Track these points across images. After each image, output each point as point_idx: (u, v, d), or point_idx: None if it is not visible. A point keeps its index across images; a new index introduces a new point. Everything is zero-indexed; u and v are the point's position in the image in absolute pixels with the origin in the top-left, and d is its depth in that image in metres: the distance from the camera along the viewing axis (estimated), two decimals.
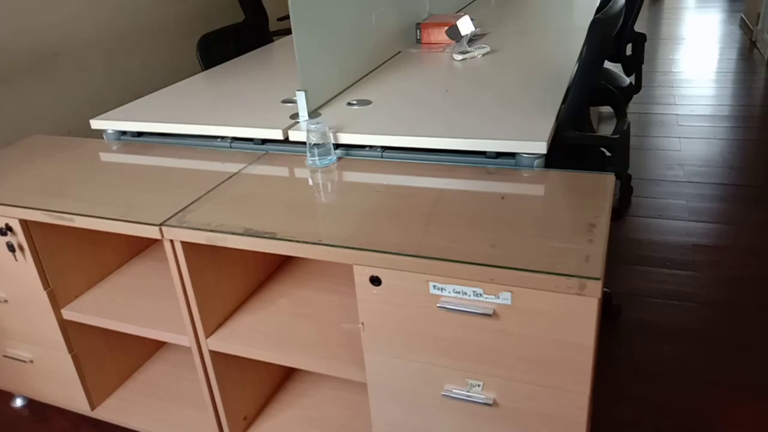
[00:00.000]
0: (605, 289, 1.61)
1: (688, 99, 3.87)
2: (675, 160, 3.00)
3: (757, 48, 4.89)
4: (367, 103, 1.59)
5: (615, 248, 2.30)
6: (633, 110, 3.73)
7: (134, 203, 1.24)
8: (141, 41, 2.93)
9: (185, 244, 1.15)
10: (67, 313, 1.44)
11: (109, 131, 1.65)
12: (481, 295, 0.94)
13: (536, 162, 1.25)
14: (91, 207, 1.24)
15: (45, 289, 1.39)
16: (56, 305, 1.43)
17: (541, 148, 1.23)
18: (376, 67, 1.95)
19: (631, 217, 2.49)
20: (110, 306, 1.44)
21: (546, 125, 1.30)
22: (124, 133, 1.65)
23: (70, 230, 1.44)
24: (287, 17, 3.77)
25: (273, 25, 3.58)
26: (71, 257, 1.45)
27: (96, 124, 1.64)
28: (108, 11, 2.75)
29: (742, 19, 5.73)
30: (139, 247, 1.67)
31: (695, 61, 4.75)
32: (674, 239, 2.33)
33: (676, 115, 3.60)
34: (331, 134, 1.39)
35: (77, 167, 1.47)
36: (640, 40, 2.43)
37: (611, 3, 1.43)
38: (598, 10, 2.50)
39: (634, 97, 3.23)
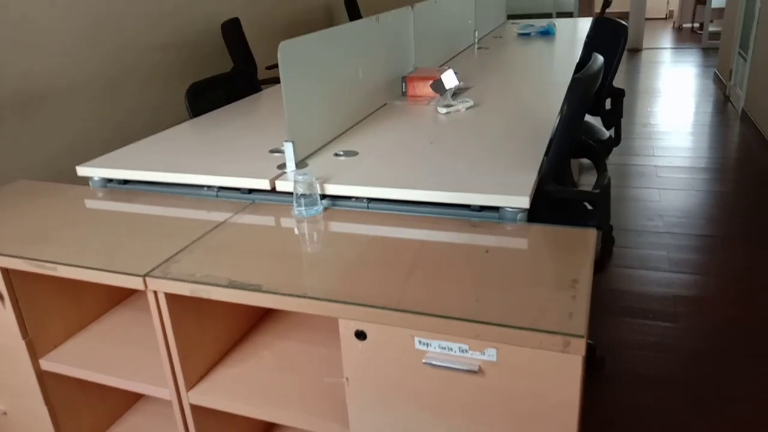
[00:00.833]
0: (589, 341, 1.62)
1: (666, 150, 3.97)
2: (655, 211, 3.06)
3: (731, 102, 5.06)
4: (353, 154, 1.61)
5: (598, 299, 2.31)
6: (613, 161, 3.82)
7: (118, 252, 1.23)
8: (130, 86, 2.96)
9: (169, 296, 1.14)
10: (45, 364, 1.41)
11: (95, 178, 1.65)
12: (467, 351, 0.94)
13: (519, 216, 1.27)
14: (74, 255, 1.23)
15: (23, 339, 1.37)
16: (34, 355, 1.40)
17: (524, 202, 1.25)
18: (363, 119, 1.99)
19: (614, 267, 2.52)
20: (90, 356, 1.41)
21: (528, 179, 1.33)
22: (110, 180, 1.65)
23: (51, 278, 1.42)
24: (276, 66, 3.85)
25: (262, 74, 3.65)
26: (52, 306, 1.43)
27: (82, 171, 1.64)
28: (98, 56, 2.78)
29: (715, 74, 5.95)
30: (121, 295, 1.65)
31: (672, 113, 4.90)
32: (656, 290, 2.36)
33: (655, 166, 3.69)
34: (317, 185, 1.40)
35: (61, 214, 1.46)
36: (618, 95, 2.51)
37: (591, 62, 1.49)
38: (578, 64, 2.59)
39: (615, 148, 3.31)
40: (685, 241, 2.73)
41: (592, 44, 2.90)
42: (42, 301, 1.40)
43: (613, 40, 2.46)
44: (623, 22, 2.48)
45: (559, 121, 1.42)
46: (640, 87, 5.88)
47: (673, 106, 5.14)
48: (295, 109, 1.55)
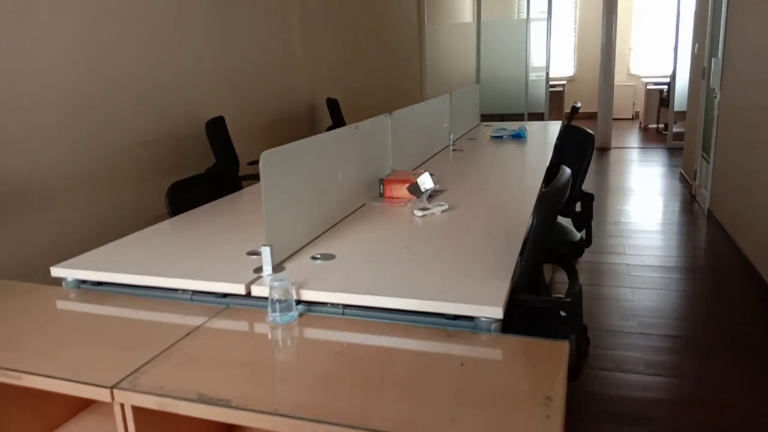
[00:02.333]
0: None
1: (637, 249, 4.07)
2: (629, 311, 3.09)
3: (697, 202, 5.26)
4: (330, 257, 1.63)
5: (573, 403, 2.29)
6: (586, 259, 3.89)
7: (87, 360, 1.20)
8: (109, 182, 2.99)
9: (136, 408, 1.11)
10: None
11: (69, 279, 1.64)
12: None
13: (493, 326, 1.28)
14: (40, 364, 1.20)
15: None
16: None
17: (498, 313, 1.27)
18: (342, 219, 2.03)
19: (590, 369, 2.51)
20: None
21: (502, 289, 1.35)
22: (84, 281, 1.64)
23: (15, 385, 1.37)
24: (258, 161, 3.94)
25: (243, 169, 3.72)
26: (14, 413, 1.38)
27: (56, 271, 1.63)
28: (76, 151, 2.82)
29: (681, 173, 6.21)
30: (87, 401, 1.59)
31: (642, 212, 5.06)
32: (631, 393, 2.35)
33: (627, 264, 3.77)
34: (293, 290, 1.41)
35: (32, 317, 1.43)
36: (588, 198, 2.61)
37: (558, 175, 1.56)
38: (549, 169, 2.70)
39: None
40: (659, 343, 2.75)
41: (561, 149, 3.04)
42: (5, 410, 1.35)
43: (581, 147, 2.58)
44: (590, 131, 2.62)
45: (530, 231, 1.47)
46: (610, 185, 6.09)
47: (643, 204, 5.31)
48: (274, 214, 1.58)
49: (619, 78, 9.88)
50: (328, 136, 1.95)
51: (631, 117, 11.14)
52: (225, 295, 1.50)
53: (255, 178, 3.08)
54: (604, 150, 8.05)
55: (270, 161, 1.56)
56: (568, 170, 1.58)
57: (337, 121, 5.20)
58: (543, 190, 1.39)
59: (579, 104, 4.21)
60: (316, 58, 5.32)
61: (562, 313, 1.64)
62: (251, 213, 2.15)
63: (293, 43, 4.94)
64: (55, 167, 2.72)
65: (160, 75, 3.35)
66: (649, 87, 9.58)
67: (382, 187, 2.33)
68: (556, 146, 3.26)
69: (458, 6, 10.55)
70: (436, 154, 3.33)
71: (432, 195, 2.33)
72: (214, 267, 1.57)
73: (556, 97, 9.63)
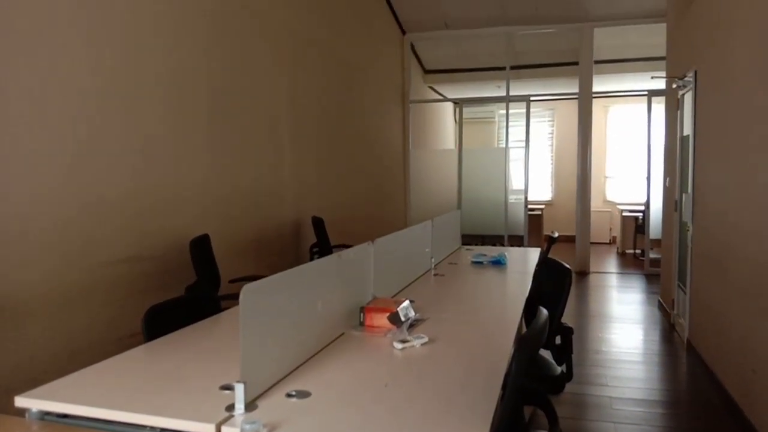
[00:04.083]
0: None
1: (619, 380, 4.02)
2: None
3: (677, 331, 5.28)
4: (306, 395, 1.60)
5: None
6: (568, 390, 3.82)
7: None
8: (87, 299, 2.95)
9: None
10: None
11: (33, 410, 1.58)
12: None
13: None
14: None
15: None
16: None
17: None
18: (321, 350, 2.00)
19: None
20: None
21: None
22: (48, 413, 1.58)
23: None
24: (240, 279, 3.93)
25: (224, 287, 3.70)
26: None
27: (20, 401, 1.56)
28: (56, 268, 2.80)
29: (659, 302, 6.28)
30: None
31: (623, 340, 5.06)
32: None
33: (609, 397, 3.70)
34: None
35: None
36: (568, 332, 2.61)
37: (536, 317, 1.58)
38: (528, 298, 2.73)
39: None
40: None
41: (540, 279, 3.09)
42: None
43: (559, 281, 2.63)
44: (567, 266, 2.68)
45: (509, 376, 1.46)
46: (590, 311, 6.12)
47: (623, 332, 5.32)
48: (251, 350, 1.56)
49: (596, 204, 10.25)
50: (310, 267, 1.98)
51: (608, 241, 11.42)
52: None
53: (235, 297, 3.06)
54: (584, 274, 8.16)
55: (251, 296, 1.57)
56: (545, 312, 1.61)
57: (322, 239, 5.27)
58: (521, 335, 1.40)
59: (556, 234, 4.33)
60: (303, 178, 5.49)
61: None
62: (229, 339, 2.12)
63: (282, 164, 5.11)
64: (33, 283, 2.69)
65: (149, 196, 3.42)
66: (624, 214, 9.91)
67: (362, 315, 2.33)
68: (535, 275, 3.31)
69: (441, 133, 11.12)
70: (418, 278, 3.35)
71: (413, 324, 2.33)
72: (186, 402, 1.53)
73: (535, 220, 9.90)
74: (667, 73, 6.00)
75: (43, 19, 2.75)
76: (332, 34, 6.22)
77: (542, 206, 11.29)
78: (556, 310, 2.53)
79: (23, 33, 2.66)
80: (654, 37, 7.13)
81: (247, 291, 1.55)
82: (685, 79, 5.05)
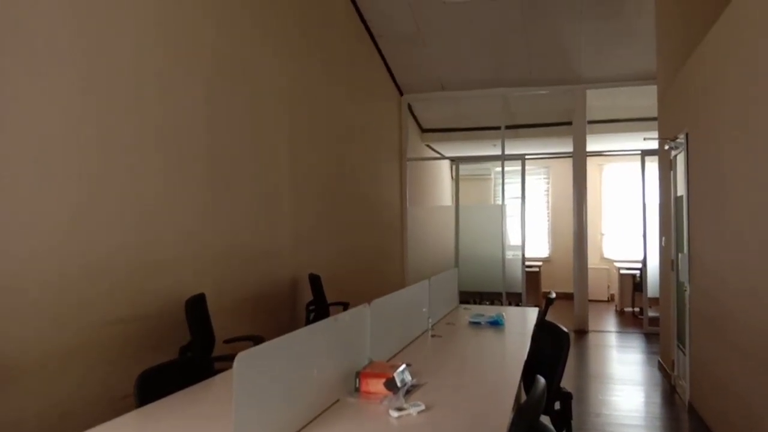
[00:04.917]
0: None
1: None
2: None
3: (678, 393, 5.18)
4: None
5: None
6: None
7: None
8: (79, 362, 2.90)
9: None
10: None
11: None
12: None
13: None
14: None
15: None
16: None
17: None
18: (314, 418, 1.97)
19: None
20: None
21: None
22: None
23: None
24: (234, 339, 3.88)
25: (219, 348, 3.66)
26: None
27: None
28: (48, 330, 2.77)
29: (659, 362, 6.19)
30: None
31: (623, 403, 4.96)
32: None
33: None
34: None
35: None
36: (567, 398, 2.57)
37: (533, 387, 1.56)
38: (527, 362, 2.70)
39: None
40: None
41: (538, 342, 3.06)
42: None
43: (556, 345, 2.61)
44: (565, 329, 2.66)
45: None
46: (589, 371, 6.03)
47: (624, 395, 5.23)
48: (244, 419, 1.53)
49: (593, 261, 10.24)
50: (306, 332, 1.96)
51: (606, 299, 11.35)
52: None
53: (229, 359, 3.02)
54: (583, 333, 8.08)
55: (245, 364, 1.56)
56: (542, 381, 1.59)
57: (318, 297, 5.24)
58: (520, 404, 1.39)
59: (554, 295, 4.32)
60: (300, 234, 5.51)
61: None
62: (222, 404, 2.08)
63: (280, 220, 5.14)
64: (24, 347, 2.65)
65: (146, 256, 3.42)
66: (622, 271, 9.90)
67: (358, 381, 2.29)
68: (533, 337, 3.28)
69: (438, 190, 11.23)
70: (415, 339, 3.32)
71: (409, 390, 2.29)
72: None
73: (532, 277, 9.87)
74: (659, 135, 6.12)
75: (43, 69, 2.82)
76: (332, 93, 6.37)
77: (540, 263, 11.27)
78: (555, 375, 2.49)
79: (23, 86, 2.72)
80: (645, 98, 7.32)
81: (241, 359, 1.54)
82: (677, 140, 5.15)
